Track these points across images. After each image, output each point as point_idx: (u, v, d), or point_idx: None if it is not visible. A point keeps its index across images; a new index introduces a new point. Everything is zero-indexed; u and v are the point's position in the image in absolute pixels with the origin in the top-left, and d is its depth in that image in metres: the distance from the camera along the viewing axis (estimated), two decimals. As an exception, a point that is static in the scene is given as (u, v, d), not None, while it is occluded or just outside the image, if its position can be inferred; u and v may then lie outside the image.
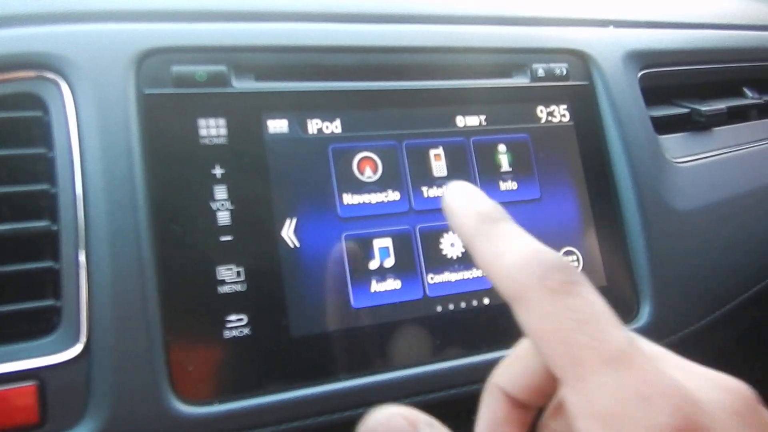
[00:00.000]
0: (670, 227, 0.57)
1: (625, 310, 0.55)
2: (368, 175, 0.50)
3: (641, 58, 0.62)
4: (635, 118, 0.59)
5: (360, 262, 0.49)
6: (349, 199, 0.49)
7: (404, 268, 0.49)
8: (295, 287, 0.46)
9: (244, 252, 0.45)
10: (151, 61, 0.46)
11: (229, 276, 0.45)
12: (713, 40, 0.69)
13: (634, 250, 0.55)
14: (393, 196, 0.50)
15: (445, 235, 0.51)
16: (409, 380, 0.48)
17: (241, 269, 0.45)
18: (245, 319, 0.45)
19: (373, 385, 0.47)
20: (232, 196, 0.46)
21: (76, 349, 0.40)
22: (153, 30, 0.46)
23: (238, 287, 0.45)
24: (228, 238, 0.45)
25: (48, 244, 0.42)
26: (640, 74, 0.62)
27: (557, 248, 0.54)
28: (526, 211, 0.54)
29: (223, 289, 0.44)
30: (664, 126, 0.63)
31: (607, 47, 0.60)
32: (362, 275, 0.48)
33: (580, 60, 0.59)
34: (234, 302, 0.44)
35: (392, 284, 0.49)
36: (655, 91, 0.63)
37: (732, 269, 0.61)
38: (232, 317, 0.44)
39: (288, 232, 0.47)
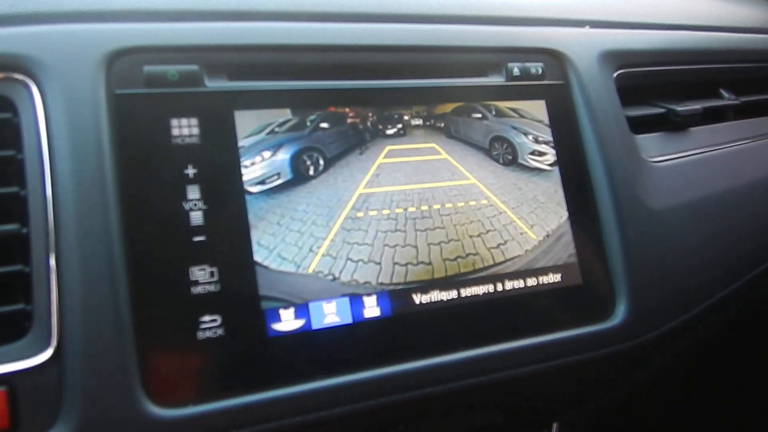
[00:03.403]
0: (646, 226, 0.57)
1: (601, 309, 0.55)
2: (343, 175, 0.50)
3: (617, 58, 0.62)
4: (611, 117, 0.59)
5: (335, 262, 0.48)
6: (324, 199, 0.49)
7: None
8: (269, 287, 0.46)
9: (217, 252, 0.45)
10: (122, 61, 0.46)
11: (203, 276, 0.44)
12: (690, 41, 0.70)
13: (610, 249, 0.56)
14: (368, 195, 0.51)
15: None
16: (387, 379, 0.48)
17: (214, 269, 0.45)
18: (219, 319, 0.44)
19: (349, 384, 0.46)
20: (204, 196, 0.46)
21: (47, 354, 0.40)
22: (124, 29, 0.46)
23: (212, 287, 0.44)
24: (201, 238, 0.45)
25: (18, 248, 0.41)
26: (616, 74, 0.62)
27: (533, 247, 0.54)
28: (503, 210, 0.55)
29: (197, 289, 0.44)
30: (640, 126, 0.63)
31: (583, 47, 0.60)
32: (337, 275, 0.48)
33: (556, 59, 0.59)
34: (207, 303, 0.44)
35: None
36: (631, 91, 0.64)
37: (707, 268, 0.61)
38: (206, 318, 0.44)
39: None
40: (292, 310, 0.47)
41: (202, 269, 0.44)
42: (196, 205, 0.45)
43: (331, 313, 0.48)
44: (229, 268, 0.45)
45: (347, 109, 0.52)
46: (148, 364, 0.42)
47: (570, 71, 0.59)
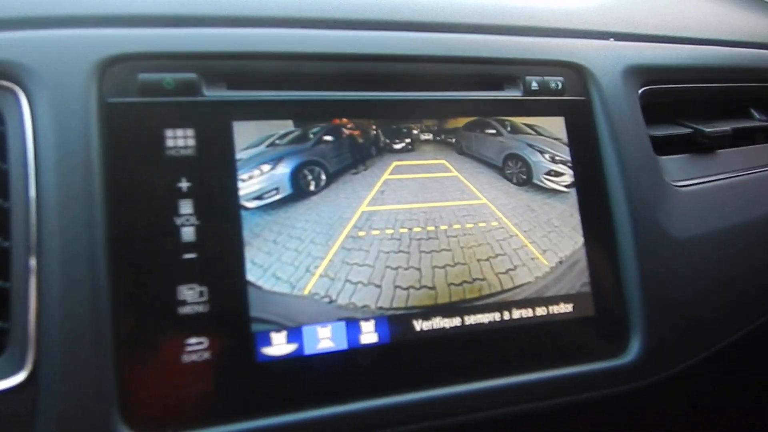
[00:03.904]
0: (667, 255, 0.54)
1: (614, 344, 0.52)
2: (345, 193, 0.48)
3: (642, 74, 0.59)
4: (634, 137, 0.56)
5: (332, 284, 0.46)
6: (323, 217, 0.47)
7: (379, 292, 0.47)
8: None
9: (208, 271, 0.43)
10: (115, 69, 0.44)
11: (191, 296, 0.42)
12: (720, 57, 0.66)
13: (627, 279, 0.52)
14: (370, 215, 0.48)
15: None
16: (382, 411, 0.45)
17: (204, 289, 0.43)
18: (206, 342, 0.42)
19: (342, 415, 0.44)
20: (197, 211, 0.43)
21: (22, 376, 0.38)
22: (118, 35, 0.44)
23: (200, 308, 0.42)
24: (191, 255, 0.43)
25: (-2, 261, 0.40)
26: (640, 91, 0.59)
27: (545, 274, 0.51)
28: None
29: (184, 310, 0.42)
30: (665, 146, 0.60)
31: (607, 61, 0.57)
32: (334, 299, 0.46)
33: (577, 74, 0.56)
34: (195, 324, 0.42)
35: (366, 309, 0.46)
36: (656, 109, 0.60)
37: (731, 303, 0.58)
38: (192, 340, 0.42)
39: (256, 252, 0.44)
40: (284, 333, 0.44)
41: (191, 288, 0.42)
42: (188, 220, 0.43)
43: (325, 338, 0.45)
44: (220, 287, 0.43)
45: (352, 122, 0.49)
46: (127, 389, 0.40)
47: (592, 87, 0.56)
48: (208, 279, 0.43)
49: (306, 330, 0.45)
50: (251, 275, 0.44)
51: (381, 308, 0.47)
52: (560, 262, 0.52)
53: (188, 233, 0.43)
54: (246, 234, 0.45)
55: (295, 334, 0.45)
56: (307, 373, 0.44)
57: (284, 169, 0.47)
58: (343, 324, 0.46)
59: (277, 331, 0.44)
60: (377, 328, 0.47)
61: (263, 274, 0.45)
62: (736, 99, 0.68)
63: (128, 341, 0.40)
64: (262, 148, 0.47)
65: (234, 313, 0.43)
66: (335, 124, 0.49)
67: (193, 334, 0.42)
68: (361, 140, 0.49)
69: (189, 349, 0.42)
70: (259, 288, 0.44)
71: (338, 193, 0.48)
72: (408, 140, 0.51)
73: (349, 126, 0.49)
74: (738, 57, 0.67)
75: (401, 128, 0.51)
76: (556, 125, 0.55)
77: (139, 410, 0.40)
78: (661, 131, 0.60)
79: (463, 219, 0.51)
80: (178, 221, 0.43)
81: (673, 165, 0.60)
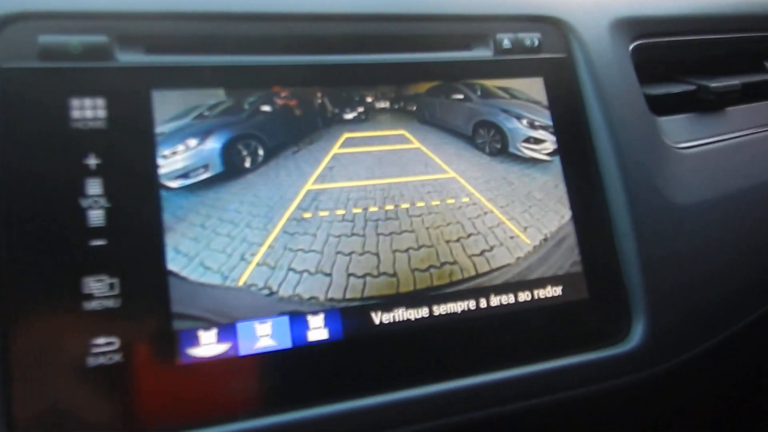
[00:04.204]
0: (668, 225, 0.46)
1: (612, 330, 0.44)
2: (284, 166, 0.41)
3: (633, 27, 0.52)
4: (625, 96, 0.49)
5: (269, 271, 0.40)
6: (257, 195, 0.41)
7: (326, 278, 0.40)
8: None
9: (120, 259, 0.37)
10: (11, 29, 0.38)
11: (99, 289, 0.36)
12: (723, 4, 0.58)
13: (624, 255, 0.45)
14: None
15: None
16: (335, 419, 0.38)
17: (115, 281, 0.37)
18: (117, 342, 0.36)
19: (285, 426, 0.37)
20: (108, 192, 0.38)
21: None
22: (10, -9, 0.39)
23: (110, 303, 0.36)
24: (100, 242, 0.37)
25: None
26: (632, 46, 0.52)
27: (527, 254, 0.44)
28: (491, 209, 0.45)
29: (90, 305, 0.36)
30: (664, 106, 0.52)
31: (590, 14, 0.50)
32: (272, 288, 0.39)
33: (556, 29, 0.49)
34: (103, 322, 0.36)
35: (310, 299, 0.40)
36: (654, 66, 0.53)
37: (743, 277, 0.49)
38: (100, 341, 0.36)
39: (176, 236, 0.38)
40: (214, 331, 0.38)
41: (99, 280, 0.36)
42: (96, 202, 0.37)
43: (264, 336, 0.39)
44: (135, 279, 0.37)
45: (294, 90, 0.43)
46: (17, 398, 0.34)
47: (574, 43, 0.49)
48: (120, 269, 0.37)
49: (241, 327, 0.39)
50: (173, 265, 0.38)
51: (332, 300, 0.40)
52: (545, 240, 0.45)
53: (96, 216, 0.37)
54: (167, 217, 0.39)
55: (227, 332, 0.38)
56: (242, 376, 0.38)
57: (214, 144, 0.41)
58: (286, 319, 0.39)
59: (206, 328, 0.38)
60: (327, 323, 0.40)
61: (189, 263, 0.38)
62: (744, 52, 0.60)
63: (20, 342, 0.34)
64: (187, 120, 0.41)
65: (152, 309, 0.37)
66: (274, 93, 0.43)
67: (102, 333, 0.36)
68: (304, 110, 0.43)
69: (96, 350, 0.35)
70: (183, 279, 0.38)
71: (279, 171, 0.42)
72: (361, 109, 0.45)
73: (290, 94, 0.43)
74: (745, 4, 0.59)
75: (352, 96, 0.44)
76: (533, 87, 0.48)
77: (31, 424, 0.34)
78: (658, 90, 0.53)
79: (427, 196, 0.44)
80: (85, 203, 0.37)
81: (674, 126, 0.52)
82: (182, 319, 0.37)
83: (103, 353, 0.35)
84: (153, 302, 0.37)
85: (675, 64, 0.56)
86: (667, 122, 0.52)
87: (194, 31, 0.42)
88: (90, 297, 0.36)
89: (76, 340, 0.35)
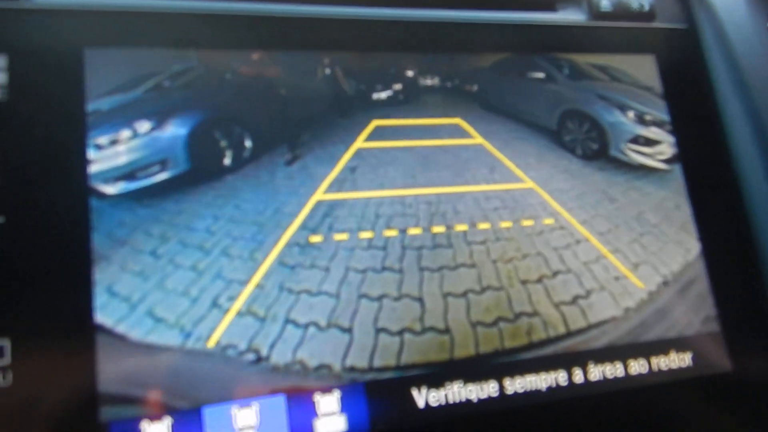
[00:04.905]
0: None
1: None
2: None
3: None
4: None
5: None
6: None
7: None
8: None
9: (13, 309, 0.24)
10: None
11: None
12: None
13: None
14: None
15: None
16: None
17: (4, 344, 0.23)
18: None
19: None
20: (4, 200, 0.25)
21: None
22: None
23: (-5, 380, 0.23)
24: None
25: None
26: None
27: (639, 303, 0.31)
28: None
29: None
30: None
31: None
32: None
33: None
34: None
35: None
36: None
37: None
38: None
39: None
40: (167, 422, 0.25)
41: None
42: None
43: (248, 428, 0.25)
44: (37, 340, 0.23)
45: (297, 55, 0.31)
46: None
47: (698, 9, 0.38)
48: (13, 326, 0.23)
49: (210, 414, 0.25)
50: (105, 315, 0.25)
51: (352, 369, 0.28)
52: (664, 284, 0.34)
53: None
54: (98, 240, 0.26)
55: (189, 423, 0.25)
56: None
57: (177, 130, 0.29)
58: (281, 400, 0.26)
59: (154, 418, 0.24)
60: (345, 407, 0.27)
61: (130, 312, 0.26)
62: None
63: None
64: (137, 93, 0.28)
65: (65, 389, 0.23)
66: (268, 57, 0.30)
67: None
68: (313, 85, 0.31)
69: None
70: (120, 339, 0.25)
71: (274, 172, 0.29)
72: (398, 87, 0.33)
73: (291, 61, 0.30)
74: None
75: (386, 66, 0.32)
76: (642, 67, 0.38)
77: None
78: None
79: (494, 214, 0.32)
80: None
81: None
82: (116, 405, 0.24)
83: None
84: (68, 378, 0.23)
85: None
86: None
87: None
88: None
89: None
